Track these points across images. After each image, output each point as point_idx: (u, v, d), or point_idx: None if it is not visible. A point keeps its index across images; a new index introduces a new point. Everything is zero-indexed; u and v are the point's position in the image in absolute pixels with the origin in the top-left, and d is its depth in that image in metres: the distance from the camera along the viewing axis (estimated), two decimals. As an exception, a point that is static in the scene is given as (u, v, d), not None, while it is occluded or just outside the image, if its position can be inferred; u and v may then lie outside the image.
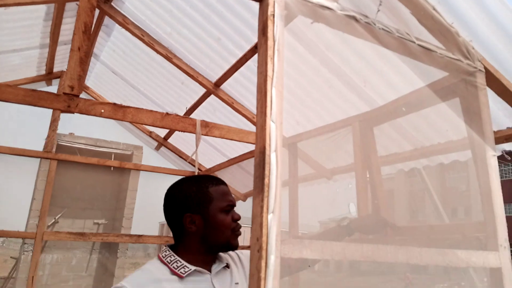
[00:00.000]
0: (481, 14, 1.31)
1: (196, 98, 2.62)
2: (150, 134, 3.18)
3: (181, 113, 2.79)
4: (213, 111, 2.59)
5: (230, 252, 1.25)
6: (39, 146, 3.74)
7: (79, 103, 1.62)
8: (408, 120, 1.71)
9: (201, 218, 1.13)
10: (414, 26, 1.15)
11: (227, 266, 1.19)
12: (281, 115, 0.89)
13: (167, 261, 1.11)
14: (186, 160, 2.98)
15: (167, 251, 1.15)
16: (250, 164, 2.68)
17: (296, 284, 2.25)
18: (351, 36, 1.06)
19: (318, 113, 2.03)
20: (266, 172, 0.87)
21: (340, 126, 1.85)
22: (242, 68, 2.21)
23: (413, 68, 1.38)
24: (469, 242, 1.36)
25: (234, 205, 1.20)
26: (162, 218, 1.27)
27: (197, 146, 1.88)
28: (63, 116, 3.57)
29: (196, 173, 1.87)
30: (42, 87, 3.51)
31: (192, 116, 2.77)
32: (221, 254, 1.20)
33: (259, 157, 0.89)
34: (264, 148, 0.87)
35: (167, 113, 1.81)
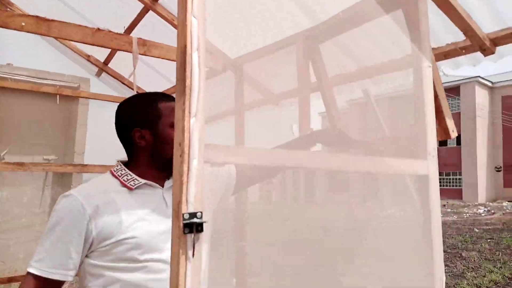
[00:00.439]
0: None
1: (134, 16, 2.42)
2: (88, 58, 2.97)
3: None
4: (153, 30, 2.42)
5: None
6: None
7: (-7, 15, 1.44)
8: (352, 37, 1.67)
9: (151, 133, 1.12)
10: None
11: None
12: (204, 10, 0.82)
13: (118, 175, 1.12)
14: (126, 84, 2.82)
15: (119, 165, 1.16)
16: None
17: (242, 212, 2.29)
18: None
19: (263, 30, 1.94)
20: (188, 73, 0.81)
21: (285, 44, 1.78)
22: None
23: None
24: (402, 152, 1.41)
25: None
26: (119, 155, 1.24)
27: (134, 66, 1.77)
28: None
29: (130, 94, 1.77)
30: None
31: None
32: None
33: (181, 58, 0.82)
34: (185, 47, 0.81)
35: (98, 29, 1.66)
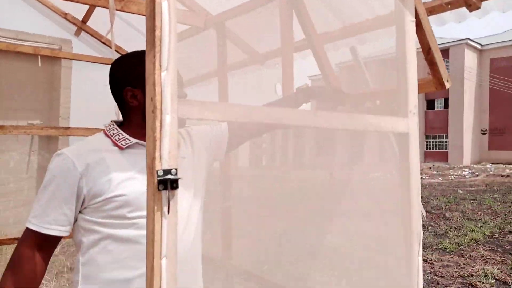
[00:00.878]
0: None
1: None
2: (65, 16, 2.84)
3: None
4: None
5: (180, 129, 1.24)
6: None
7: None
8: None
9: (142, 92, 1.10)
10: None
11: None
12: (173, -44, 0.77)
13: (110, 134, 1.13)
14: (105, 43, 2.72)
15: (112, 125, 1.16)
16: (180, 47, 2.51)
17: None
18: None
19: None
20: (157, 23, 0.77)
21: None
22: None
23: None
24: (386, 110, 1.40)
25: None
26: (105, 120, 1.22)
27: (111, 23, 1.70)
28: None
29: (113, 56, 1.71)
30: None
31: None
32: None
33: (149, 6, 0.78)
34: (155, -5, 0.77)
35: (71, -17, 1.58)
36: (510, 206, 8.97)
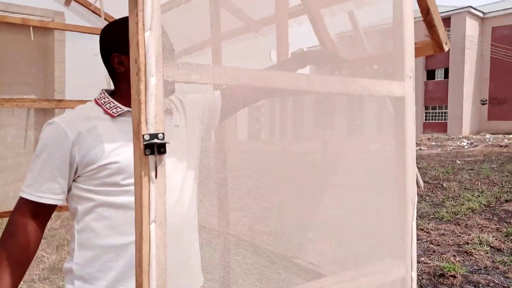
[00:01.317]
0: None
1: None
2: (54, -16, 2.76)
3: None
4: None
5: (172, 97, 1.23)
6: None
7: None
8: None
9: (129, 58, 1.07)
10: None
11: (166, 110, 1.15)
12: None
13: (101, 102, 1.12)
14: (94, 12, 2.65)
15: (102, 93, 1.15)
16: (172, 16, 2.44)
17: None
18: None
19: None
20: (139, -21, 0.73)
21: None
22: None
23: None
24: (381, 74, 1.37)
25: None
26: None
27: (99, -12, 1.64)
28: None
29: (102, 24, 1.66)
30: None
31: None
32: None
33: (130, -39, 0.74)
34: (135, -51, 0.72)
35: None
36: (507, 176, 9.03)
